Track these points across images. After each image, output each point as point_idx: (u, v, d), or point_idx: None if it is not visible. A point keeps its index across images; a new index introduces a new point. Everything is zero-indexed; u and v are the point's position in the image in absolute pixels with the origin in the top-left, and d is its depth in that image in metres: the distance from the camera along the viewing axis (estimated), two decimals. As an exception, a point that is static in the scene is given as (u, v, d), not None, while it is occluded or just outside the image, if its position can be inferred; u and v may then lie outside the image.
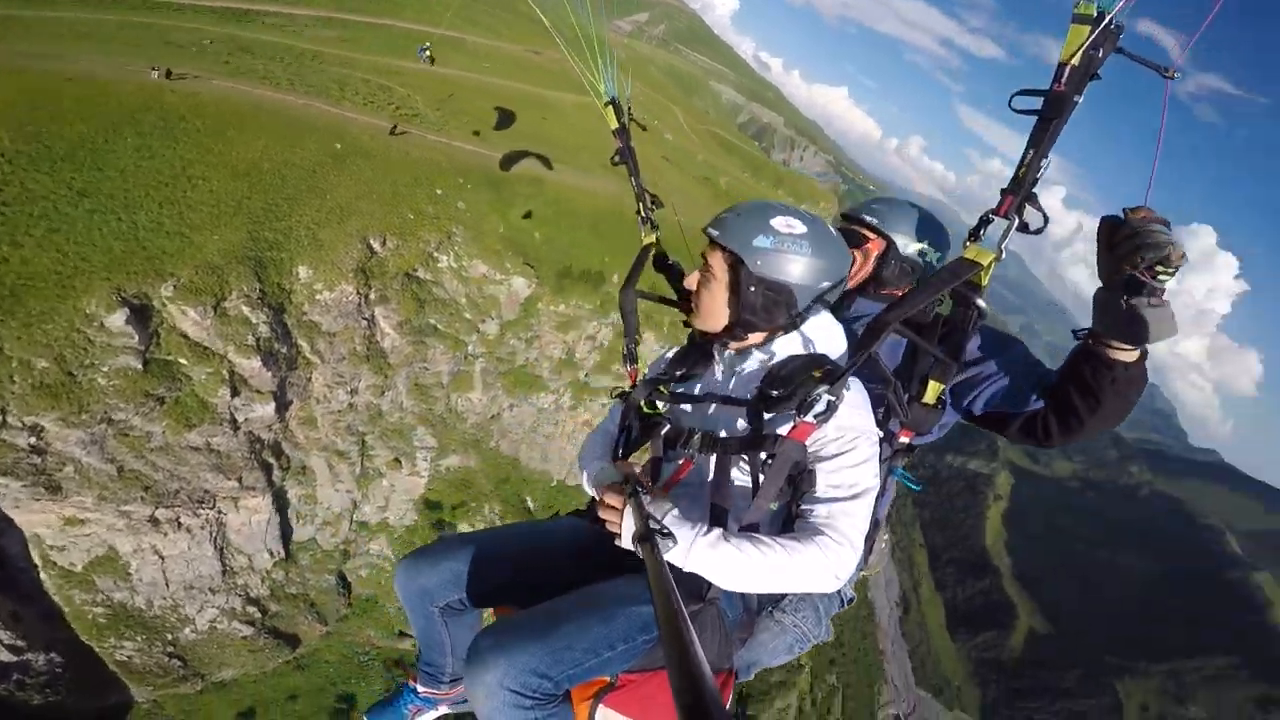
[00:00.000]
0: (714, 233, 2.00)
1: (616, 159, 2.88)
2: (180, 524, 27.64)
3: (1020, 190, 1.77)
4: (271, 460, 29.16)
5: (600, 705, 1.84)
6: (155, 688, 28.96)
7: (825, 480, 1.81)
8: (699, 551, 1.65)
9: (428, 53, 42.07)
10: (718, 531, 1.69)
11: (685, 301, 2.35)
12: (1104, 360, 1.83)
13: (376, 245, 27.67)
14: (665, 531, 1.63)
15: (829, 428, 1.82)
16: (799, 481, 1.85)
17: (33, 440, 23.12)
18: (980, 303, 1.97)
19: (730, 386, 2.08)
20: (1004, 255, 1.82)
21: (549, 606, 1.85)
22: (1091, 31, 1.60)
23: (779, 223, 1.92)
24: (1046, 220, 1.80)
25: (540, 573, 2.16)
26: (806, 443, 1.81)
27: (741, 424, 1.96)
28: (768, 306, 1.95)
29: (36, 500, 24.42)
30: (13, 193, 22.46)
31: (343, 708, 34.88)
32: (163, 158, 24.22)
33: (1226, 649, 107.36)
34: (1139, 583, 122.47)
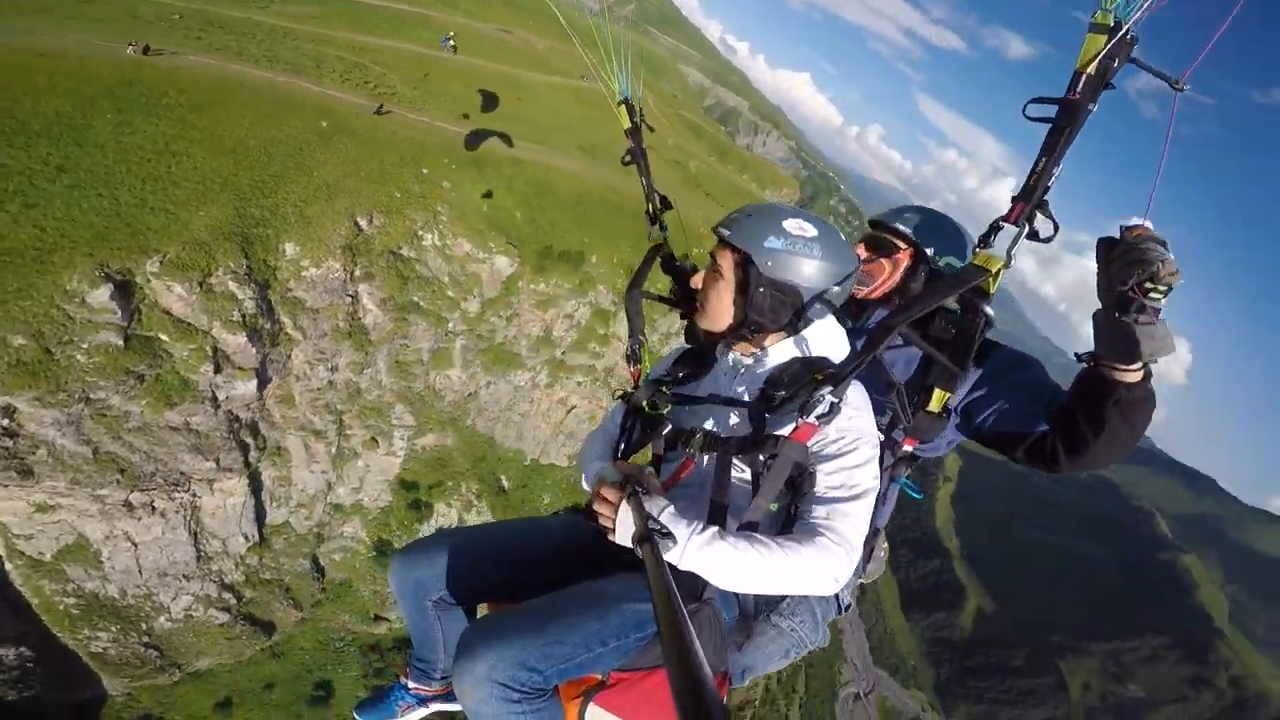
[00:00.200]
0: (725, 232, 2.05)
1: (627, 159, 2.93)
2: (154, 508, 27.51)
3: (1031, 198, 1.80)
4: (249, 440, 29.33)
5: (590, 703, 1.86)
6: (132, 679, 28.86)
7: (825, 481, 1.86)
8: (693, 550, 1.68)
9: (451, 42, 42.99)
10: (713, 530, 1.73)
11: (690, 303, 2.37)
12: (1106, 382, 1.83)
13: (364, 223, 28.23)
14: (665, 531, 1.67)
15: (830, 429, 1.88)
16: (799, 483, 1.90)
17: (5, 422, 22.86)
18: (988, 310, 1.96)
19: (733, 387, 2.13)
20: (1013, 262, 1.85)
21: (540, 601, 1.89)
22: (1108, 41, 1.64)
23: (791, 225, 1.98)
24: (1057, 228, 1.83)
25: (536, 569, 2.19)
26: (808, 444, 1.88)
27: (743, 425, 2.02)
28: (775, 307, 2.01)
29: (5, 487, 24.04)
30: None
31: (320, 695, 35.10)
32: (144, 133, 24.21)
33: (1159, 629, 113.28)
34: (1079, 564, 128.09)
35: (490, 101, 36.91)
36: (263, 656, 34.03)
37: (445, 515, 36.90)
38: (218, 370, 25.60)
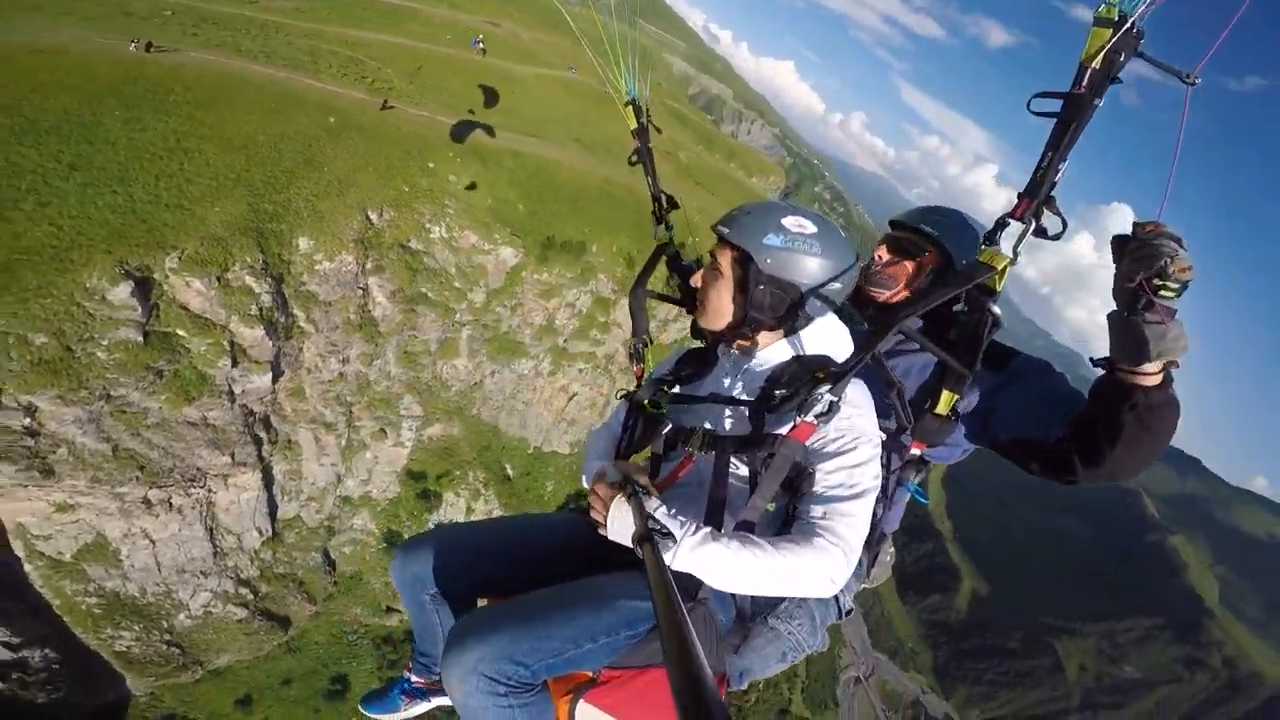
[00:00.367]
0: (724, 230, 2.07)
1: (634, 159, 2.96)
2: (172, 505, 28.12)
3: (1038, 194, 1.79)
4: (262, 434, 30.05)
5: (580, 701, 1.88)
6: (156, 678, 29.54)
7: (824, 481, 1.87)
8: (685, 550, 1.69)
9: (480, 45, 44.43)
10: (706, 530, 1.74)
11: (694, 302, 2.37)
12: (1122, 386, 1.80)
13: (374, 217, 29.05)
14: (665, 531, 1.69)
15: (829, 428, 1.89)
16: (798, 482, 1.91)
17: (26, 421, 23.36)
18: (994, 309, 1.97)
19: (734, 387, 2.15)
20: (1018, 259, 1.86)
21: (532, 596, 1.91)
22: (1112, 35, 1.63)
23: (790, 222, 2.00)
24: (1065, 225, 1.81)
25: (538, 566, 2.21)
26: (807, 443, 1.88)
27: (742, 423, 2.04)
28: (775, 305, 2.03)
29: (24, 487, 24.52)
30: None
31: (337, 689, 35.87)
32: (154, 130, 24.76)
33: (1150, 610, 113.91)
34: (1069, 545, 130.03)
35: (491, 97, 37.91)
36: (280, 652, 34.82)
37: (454, 504, 37.86)
38: (234, 364, 26.29)
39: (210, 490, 29.33)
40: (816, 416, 1.84)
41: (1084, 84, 1.69)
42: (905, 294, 2.62)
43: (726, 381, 2.18)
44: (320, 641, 36.63)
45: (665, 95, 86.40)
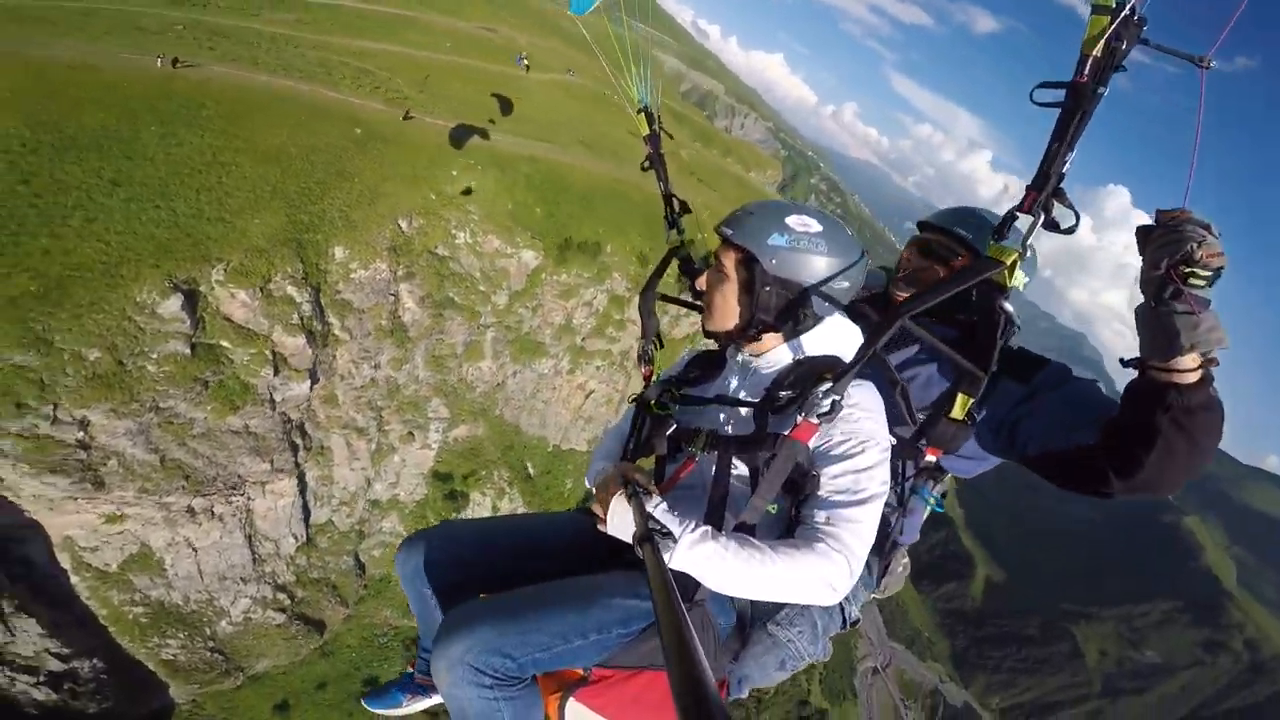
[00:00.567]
0: (727, 231, 2.09)
1: (646, 165, 3.02)
2: (214, 513, 29.36)
3: (1045, 186, 1.76)
4: (298, 440, 31.23)
5: (570, 699, 1.92)
6: (201, 685, 30.75)
7: (829, 485, 1.87)
8: (683, 547, 1.71)
9: (525, 61, 47.13)
10: (705, 528, 1.76)
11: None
12: (1156, 386, 1.68)
13: (405, 225, 30.43)
14: (665, 531, 1.72)
15: (835, 431, 1.90)
16: (801, 485, 1.92)
17: (80, 435, 24.46)
18: (1007, 307, 1.92)
19: (741, 388, 2.19)
20: (1029, 253, 1.84)
21: (524, 590, 1.96)
22: (1111, 22, 1.60)
23: (794, 221, 2.02)
24: (1078, 217, 1.79)
25: (541, 563, 2.24)
26: (810, 444, 1.89)
27: (745, 424, 2.07)
28: (781, 306, 2.05)
29: (74, 500, 25.59)
30: (42, 183, 23.57)
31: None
32: (191, 145, 25.99)
33: (1168, 593, 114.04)
34: (1082, 529, 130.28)
35: (507, 106, 39.44)
36: (314, 656, 36.09)
37: (480, 504, 39.24)
38: (276, 372, 27.53)
39: (249, 498, 30.55)
40: (819, 417, 1.84)
41: (1085, 73, 1.65)
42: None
43: (733, 382, 2.23)
44: (352, 645, 37.88)
45: (661, 94, 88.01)
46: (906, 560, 2.77)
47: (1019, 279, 2.19)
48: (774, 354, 2.15)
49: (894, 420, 2.05)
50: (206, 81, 28.44)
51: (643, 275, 40.83)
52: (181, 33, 34.39)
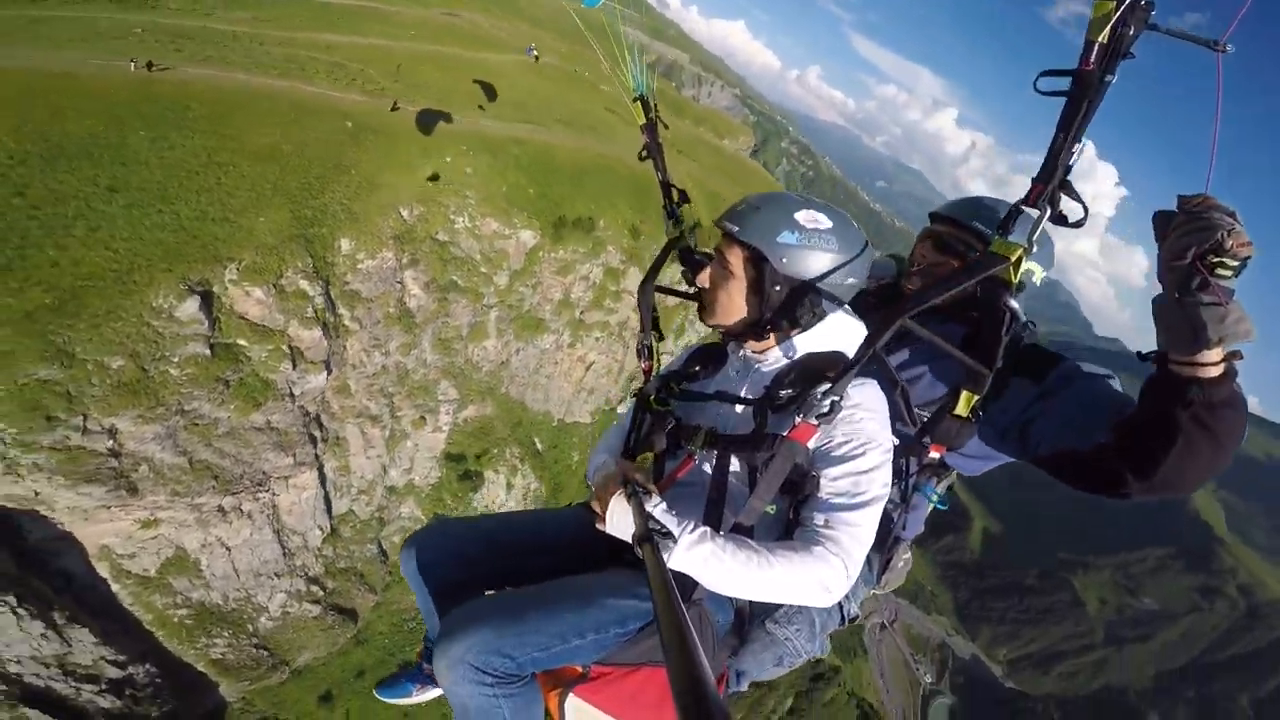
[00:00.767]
0: (733, 228, 2.05)
1: (644, 154, 2.97)
2: (242, 510, 30.17)
3: (1052, 178, 1.67)
4: (316, 433, 32.07)
5: (570, 695, 1.96)
6: (250, 681, 31.74)
7: (829, 487, 1.86)
8: (681, 547, 1.73)
9: (535, 52, 48.62)
10: (704, 529, 1.77)
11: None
12: (1176, 381, 1.64)
13: (406, 213, 31.18)
14: (665, 531, 1.73)
15: (837, 431, 1.90)
16: (800, 486, 1.91)
17: (110, 443, 25.04)
18: (1012, 303, 1.83)
19: (741, 384, 2.19)
20: (1035, 248, 1.75)
21: (525, 590, 2.00)
22: (1117, 6, 1.51)
23: (803, 217, 1.99)
24: (1087, 211, 1.71)
25: (541, 558, 2.28)
26: (810, 444, 1.89)
27: (745, 423, 2.05)
28: (791, 305, 2.03)
29: (108, 508, 26.21)
30: (38, 194, 23.32)
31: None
32: (183, 148, 26.18)
33: (1160, 540, 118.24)
34: None
35: (491, 91, 40.20)
36: (350, 645, 37.20)
37: (494, 482, 40.54)
38: (294, 366, 28.30)
39: (274, 493, 31.38)
40: (818, 418, 1.85)
41: (1091, 60, 1.54)
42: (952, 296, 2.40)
43: (736, 380, 2.22)
44: (384, 631, 39.02)
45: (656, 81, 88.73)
46: (909, 555, 2.78)
47: (1035, 272, 2.33)
48: (777, 350, 2.14)
49: (895, 418, 2.07)
50: (187, 83, 28.55)
51: (636, 246, 41.95)
52: (143, 36, 33.92)
